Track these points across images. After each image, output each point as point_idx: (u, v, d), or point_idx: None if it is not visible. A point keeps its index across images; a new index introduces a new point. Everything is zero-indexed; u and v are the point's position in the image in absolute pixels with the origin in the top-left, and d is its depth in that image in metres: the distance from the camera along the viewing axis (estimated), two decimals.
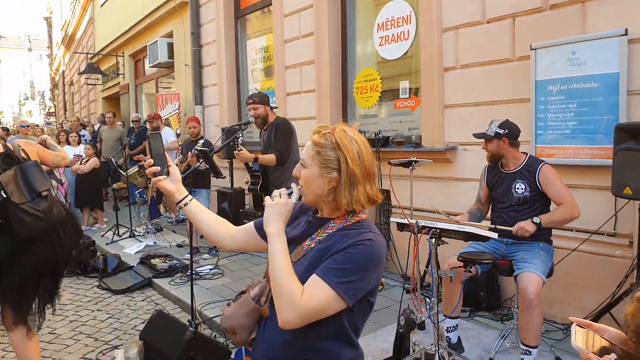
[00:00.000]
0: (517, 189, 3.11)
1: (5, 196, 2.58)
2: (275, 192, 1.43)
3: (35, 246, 2.73)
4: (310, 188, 1.41)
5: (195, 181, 5.47)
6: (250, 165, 4.32)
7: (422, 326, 3.43)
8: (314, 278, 1.29)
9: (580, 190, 3.54)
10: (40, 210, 2.66)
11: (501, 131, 3.13)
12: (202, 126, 6.47)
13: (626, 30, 3.21)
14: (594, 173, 3.49)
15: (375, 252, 1.32)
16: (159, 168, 1.52)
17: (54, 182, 7.37)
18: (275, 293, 1.31)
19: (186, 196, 1.59)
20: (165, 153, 1.58)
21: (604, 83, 3.37)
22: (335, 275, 1.27)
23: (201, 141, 5.14)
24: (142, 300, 4.77)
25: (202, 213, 1.61)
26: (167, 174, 1.55)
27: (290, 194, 1.42)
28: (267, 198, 1.43)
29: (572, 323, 1.00)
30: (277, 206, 1.39)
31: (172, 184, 1.57)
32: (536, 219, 2.93)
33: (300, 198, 1.44)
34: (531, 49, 3.72)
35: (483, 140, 3.24)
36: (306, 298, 1.26)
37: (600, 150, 3.42)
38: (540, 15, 3.73)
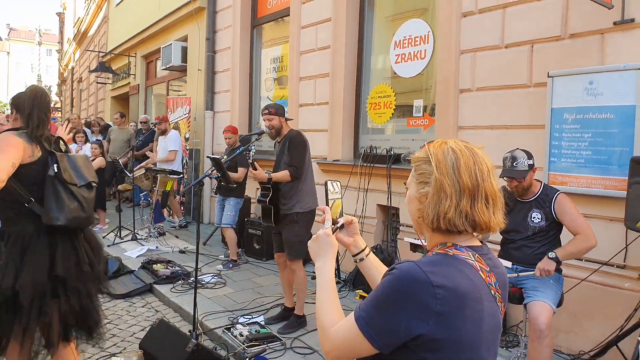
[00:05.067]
0: (534, 218, 3.08)
1: (56, 171, 2.32)
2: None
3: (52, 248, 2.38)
4: (411, 212, 1.25)
5: (226, 189, 5.53)
6: None
7: None
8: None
9: (592, 220, 3.52)
10: (86, 199, 2.41)
11: (531, 162, 3.06)
12: (237, 135, 6.02)
13: None
14: (606, 204, 3.49)
15: (396, 284, 1.09)
16: (330, 220, 1.36)
17: None
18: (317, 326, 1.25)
19: (362, 250, 1.43)
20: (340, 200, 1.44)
21: (620, 115, 3.38)
22: (362, 309, 1.13)
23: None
24: (142, 307, 4.65)
25: (377, 270, 1.42)
26: (342, 226, 1.40)
27: (331, 226, 1.35)
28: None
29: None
30: (318, 239, 1.32)
31: (349, 236, 1.43)
32: (551, 254, 2.87)
33: (336, 225, 1.36)
34: (548, 76, 3.74)
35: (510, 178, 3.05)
36: (336, 329, 1.16)
37: (614, 181, 3.43)
38: (559, 44, 3.75)
